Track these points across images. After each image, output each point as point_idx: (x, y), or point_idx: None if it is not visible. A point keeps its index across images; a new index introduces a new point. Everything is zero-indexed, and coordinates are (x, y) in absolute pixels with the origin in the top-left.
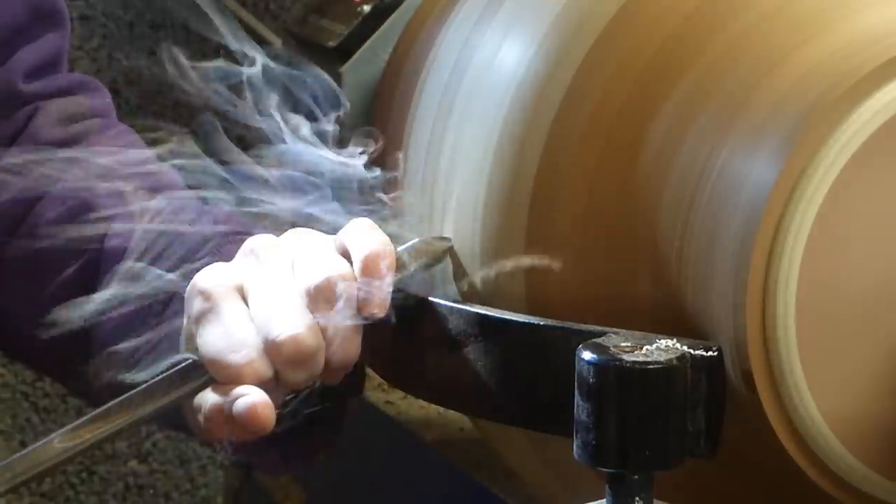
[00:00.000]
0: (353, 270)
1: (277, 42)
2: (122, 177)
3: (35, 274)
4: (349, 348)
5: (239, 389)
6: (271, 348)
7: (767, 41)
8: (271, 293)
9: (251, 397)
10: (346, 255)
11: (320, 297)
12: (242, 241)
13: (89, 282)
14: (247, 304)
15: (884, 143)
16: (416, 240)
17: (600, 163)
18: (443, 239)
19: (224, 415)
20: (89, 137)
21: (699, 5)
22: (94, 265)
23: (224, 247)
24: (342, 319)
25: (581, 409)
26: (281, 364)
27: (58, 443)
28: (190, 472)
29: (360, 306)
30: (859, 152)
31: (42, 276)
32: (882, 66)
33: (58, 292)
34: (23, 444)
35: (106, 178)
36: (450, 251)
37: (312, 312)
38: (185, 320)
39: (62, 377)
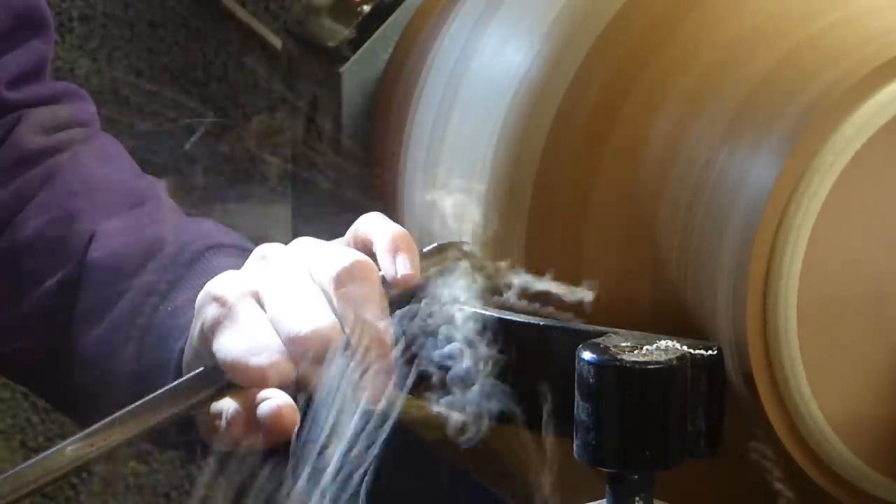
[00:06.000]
0: (377, 254)
1: (277, 42)
2: (105, 187)
3: (15, 285)
4: (380, 340)
5: (262, 393)
6: (294, 345)
7: (767, 41)
8: (289, 293)
9: (276, 400)
10: (361, 249)
11: (346, 279)
12: (228, 251)
13: (70, 294)
14: (263, 309)
15: (884, 143)
16: (435, 244)
17: (600, 163)
18: (462, 243)
19: (247, 420)
20: (73, 147)
21: (699, 5)
22: (76, 277)
23: (208, 257)
24: (371, 303)
25: (581, 409)
26: (305, 362)
27: (70, 450)
28: (190, 472)
29: (388, 285)
30: (859, 152)
31: (22, 287)
32: (882, 66)
33: (38, 304)
34: (23, 445)
35: (88, 189)
36: (467, 255)
37: (337, 305)
38: (197, 327)
39: (42, 389)
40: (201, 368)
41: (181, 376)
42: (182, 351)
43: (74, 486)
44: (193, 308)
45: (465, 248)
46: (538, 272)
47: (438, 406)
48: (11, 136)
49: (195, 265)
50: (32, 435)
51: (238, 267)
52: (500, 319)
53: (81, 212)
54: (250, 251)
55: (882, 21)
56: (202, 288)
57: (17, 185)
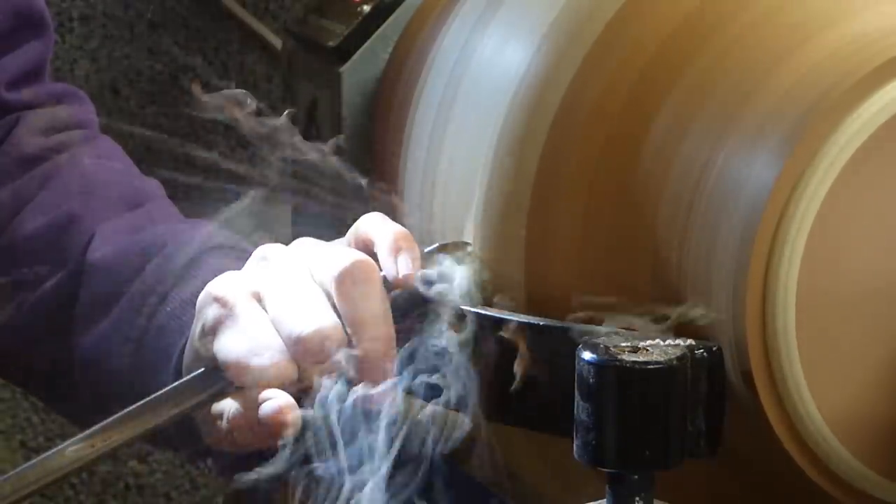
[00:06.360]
0: (379, 254)
1: (277, 42)
2: (104, 189)
3: (14, 286)
4: (382, 337)
5: (264, 393)
6: (296, 345)
7: (767, 41)
8: (290, 293)
9: (277, 401)
10: (362, 249)
11: (348, 279)
12: (227, 253)
13: (70, 295)
14: (264, 310)
15: (884, 143)
16: (436, 244)
17: (600, 163)
18: (464, 244)
19: (249, 420)
20: (72, 148)
21: (699, 5)
22: (75, 279)
23: (207, 259)
24: (372, 303)
25: (581, 409)
26: (307, 362)
27: (70, 451)
28: (190, 472)
29: (392, 283)
30: (859, 152)
31: (22, 288)
32: (882, 66)
33: (37, 305)
34: (23, 445)
35: (87, 191)
36: (469, 255)
37: (338, 305)
38: (197, 328)
39: (40, 390)
40: (202, 369)
41: (181, 377)
42: (182, 352)
43: (74, 486)
44: (193, 309)
45: (467, 248)
46: (538, 272)
47: (437, 406)
48: (10, 137)
49: (194, 266)
50: (32, 435)
51: (237, 268)
52: (501, 319)
53: (80, 213)
54: (249, 252)
55: (882, 22)
56: (201, 289)
57: (16, 186)
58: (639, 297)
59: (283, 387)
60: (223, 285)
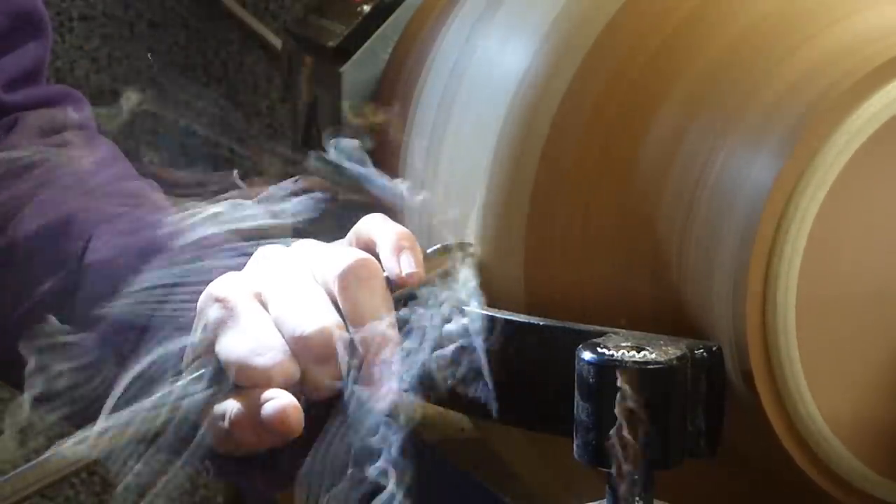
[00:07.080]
0: (381, 254)
1: (277, 42)
2: (102, 190)
3: (12, 287)
4: (385, 336)
5: (266, 393)
6: (299, 345)
7: (767, 41)
8: (292, 293)
9: (280, 400)
10: (363, 250)
11: (351, 278)
12: (226, 253)
13: (68, 297)
14: (266, 310)
15: (884, 143)
16: (438, 245)
17: (600, 163)
18: (465, 244)
19: (251, 421)
20: (70, 149)
21: (699, 5)
22: (74, 280)
23: (206, 259)
24: (375, 302)
25: (581, 409)
26: (309, 362)
27: (70, 451)
28: (190, 472)
29: (395, 283)
30: (859, 152)
31: (20, 289)
32: (882, 66)
33: (35, 307)
34: (23, 445)
35: (85, 192)
36: (471, 256)
37: (341, 304)
38: (199, 328)
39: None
40: (203, 370)
41: (181, 378)
42: (181, 353)
43: (74, 486)
44: (192, 309)
45: (468, 248)
46: (537, 272)
47: (440, 405)
48: (7, 139)
49: (193, 267)
50: (32, 435)
51: (237, 268)
52: (501, 319)
53: (78, 215)
54: (249, 254)
55: (882, 21)
56: (200, 289)
57: (14, 187)
58: (639, 297)
59: (285, 387)
60: (224, 286)
